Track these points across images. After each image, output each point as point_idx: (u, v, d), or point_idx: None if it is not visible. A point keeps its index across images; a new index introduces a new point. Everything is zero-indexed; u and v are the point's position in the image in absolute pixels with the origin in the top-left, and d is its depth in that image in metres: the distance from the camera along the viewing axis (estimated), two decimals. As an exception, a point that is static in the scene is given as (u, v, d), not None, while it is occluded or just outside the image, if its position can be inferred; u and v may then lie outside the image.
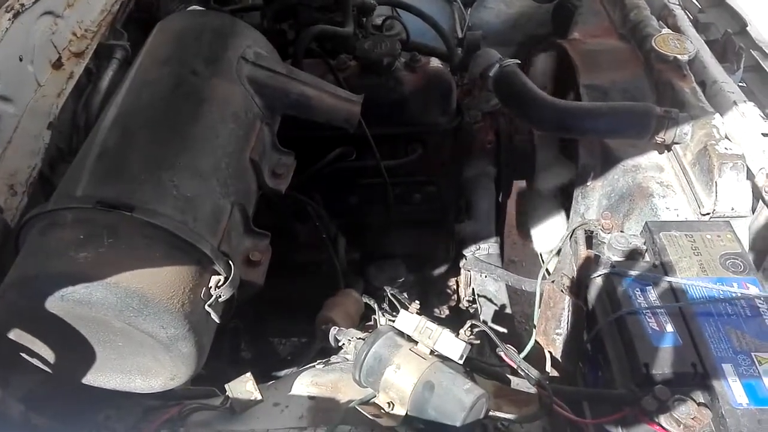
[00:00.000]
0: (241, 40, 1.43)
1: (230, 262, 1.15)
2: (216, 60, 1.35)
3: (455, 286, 2.24)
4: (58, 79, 1.52)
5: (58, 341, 1.12)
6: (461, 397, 1.11)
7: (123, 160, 1.16)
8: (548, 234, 2.11)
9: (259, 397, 1.23)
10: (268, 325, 2.15)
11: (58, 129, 1.50)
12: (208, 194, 1.19)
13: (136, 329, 1.04)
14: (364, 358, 1.20)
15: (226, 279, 1.13)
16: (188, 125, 1.24)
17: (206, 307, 1.10)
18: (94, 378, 1.19)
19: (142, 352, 1.11)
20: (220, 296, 1.12)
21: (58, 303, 1.02)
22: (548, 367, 1.47)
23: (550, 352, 1.45)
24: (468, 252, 1.99)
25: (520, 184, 2.24)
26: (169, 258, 1.07)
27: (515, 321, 2.70)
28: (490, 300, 1.97)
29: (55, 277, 1.02)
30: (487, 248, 1.99)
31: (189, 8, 1.74)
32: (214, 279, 1.13)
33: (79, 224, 1.07)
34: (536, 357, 1.48)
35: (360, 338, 1.28)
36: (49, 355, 1.14)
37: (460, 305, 2.21)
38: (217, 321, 1.13)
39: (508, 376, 1.34)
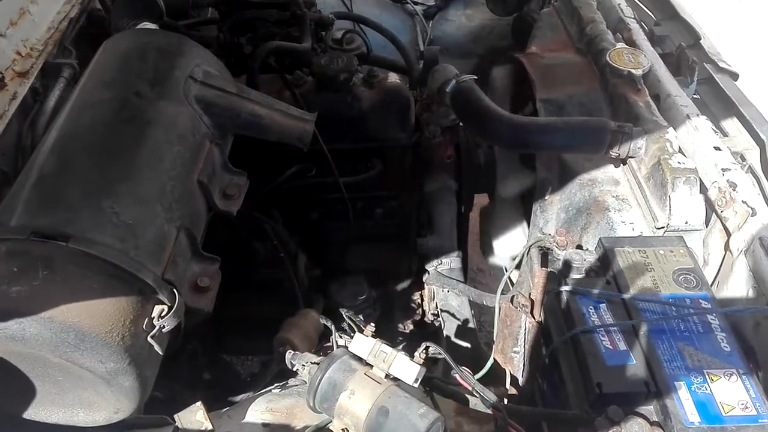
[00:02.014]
0: (189, 59, 1.40)
1: (175, 290, 1.11)
2: (161, 81, 1.32)
3: (419, 301, 2.23)
4: (0, 100, 1.47)
5: (-6, 376, 1.07)
6: (416, 422, 1.10)
7: (60, 188, 1.12)
8: (509, 242, 2.11)
9: (210, 427, 1.20)
10: (229, 343, 2.11)
11: (2, 152, 1.45)
12: (152, 220, 1.15)
13: (73, 364, 1.00)
14: (318, 383, 1.17)
15: (170, 309, 1.09)
16: (130, 149, 1.21)
17: (149, 338, 1.06)
18: (35, 412, 1.14)
19: (83, 387, 1.07)
20: (163, 327, 1.08)
21: (-10, 339, 0.98)
22: (508, 385, 1.47)
23: (509, 370, 1.44)
24: (430, 266, 1.97)
25: (483, 202, 2.24)
26: (107, 289, 1.03)
27: (485, 332, 2.70)
28: (453, 315, 1.96)
29: (-14, 312, 0.98)
30: (449, 262, 1.97)
31: (140, 25, 1.70)
32: (157, 309, 1.09)
33: (13, 256, 1.03)
34: (499, 372, 1.48)
35: (314, 363, 1.26)
36: (-15, 390, 1.09)
37: (425, 319, 2.20)
38: (161, 353, 1.10)
39: (467, 396, 1.33)
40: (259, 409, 1.31)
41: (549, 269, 1.29)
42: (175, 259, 1.16)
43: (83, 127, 1.23)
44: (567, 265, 1.28)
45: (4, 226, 1.07)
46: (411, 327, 2.21)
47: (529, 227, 1.92)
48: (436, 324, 2.11)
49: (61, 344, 0.98)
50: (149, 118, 1.26)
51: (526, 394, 1.38)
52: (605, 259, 1.27)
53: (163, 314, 1.08)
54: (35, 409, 1.14)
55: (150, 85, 1.30)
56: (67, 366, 1.02)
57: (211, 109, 1.38)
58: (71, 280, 1.02)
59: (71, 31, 1.76)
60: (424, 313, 2.21)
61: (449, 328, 1.97)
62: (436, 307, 2.06)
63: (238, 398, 1.49)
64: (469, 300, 1.95)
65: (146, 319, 1.08)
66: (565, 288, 1.23)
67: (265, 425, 1.27)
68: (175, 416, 1.19)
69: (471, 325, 1.96)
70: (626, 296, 1.19)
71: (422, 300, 2.22)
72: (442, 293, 1.99)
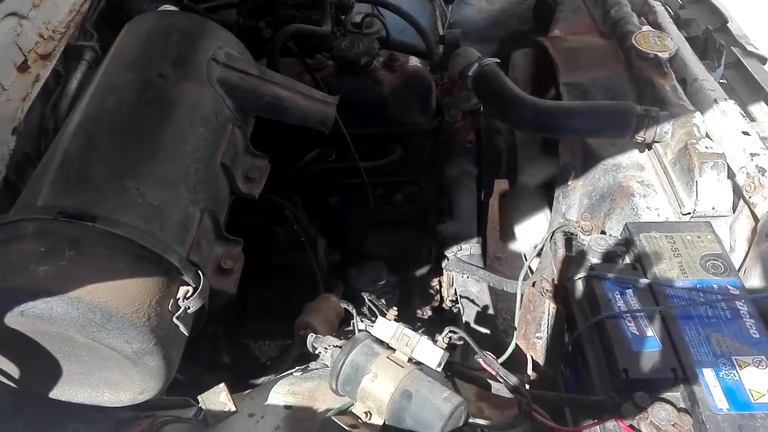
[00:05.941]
0: (211, 41, 1.39)
1: (200, 272, 1.11)
2: (184, 62, 1.31)
3: (438, 287, 2.22)
4: (23, 82, 1.47)
5: (21, 355, 1.08)
6: (439, 406, 1.09)
7: (86, 169, 1.12)
8: (531, 230, 2.09)
9: (233, 408, 1.20)
10: (249, 327, 2.12)
11: (25, 134, 1.45)
12: (176, 202, 1.15)
13: (100, 344, 1.01)
14: (341, 366, 1.17)
15: (195, 290, 1.09)
16: (154, 130, 1.20)
17: (174, 319, 1.07)
18: (61, 392, 1.15)
19: (109, 367, 1.07)
20: (188, 308, 1.08)
21: (18, 318, 0.98)
22: (529, 371, 1.46)
23: (531, 356, 1.43)
24: (450, 252, 1.96)
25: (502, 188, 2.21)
26: (133, 269, 1.03)
27: (501, 318, 2.69)
28: (472, 301, 1.95)
29: (14, 292, 0.98)
30: (469, 248, 1.95)
31: (161, 8, 1.70)
32: (182, 290, 1.09)
33: (39, 236, 1.03)
34: (521, 357, 1.47)
35: (336, 346, 1.26)
36: (12, 369, 1.10)
37: (443, 305, 2.19)
38: (186, 334, 1.10)
39: (489, 381, 1.32)
40: (282, 392, 1.31)
41: (573, 254, 1.27)
42: (199, 240, 1.16)
43: (107, 108, 1.23)
44: (592, 251, 1.27)
45: (31, 206, 1.08)
46: (429, 313, 2.21)
47: (551, 214, 1.90)
48: (455, 311, 2.10)
49: (87, 324, 0.99)
50: (173, 99, 1.26)
51: (548, 380, 1.37)
52: (631, 245, 1.26)
53: (188, 295, 1.09)
54: (61, 388, 1.15)
55: (173, 67, 1.30)
56: (94, 346, 1.02)
57: (233, 91, 1.37)
58: (98, 260, 1.02)
59: (92, 14, 1.76)
60: (442, 299, 2.20)
61: (468, 315, 1.96)
62: (455, 294, 2.05)
63: (259, 381, 1.50)
64: (488, 286, 1.94)
65: (171, 300, 1.08)
66: (590, 273, 1.21)
67: (287, 407, 1.28)
68: (199, 397, 1.20)
69: (490, 311, 1.95)
70: (652, 282, 1.17)
71: (441, 286, 2.21)
72: (462, 279, 1.98)
